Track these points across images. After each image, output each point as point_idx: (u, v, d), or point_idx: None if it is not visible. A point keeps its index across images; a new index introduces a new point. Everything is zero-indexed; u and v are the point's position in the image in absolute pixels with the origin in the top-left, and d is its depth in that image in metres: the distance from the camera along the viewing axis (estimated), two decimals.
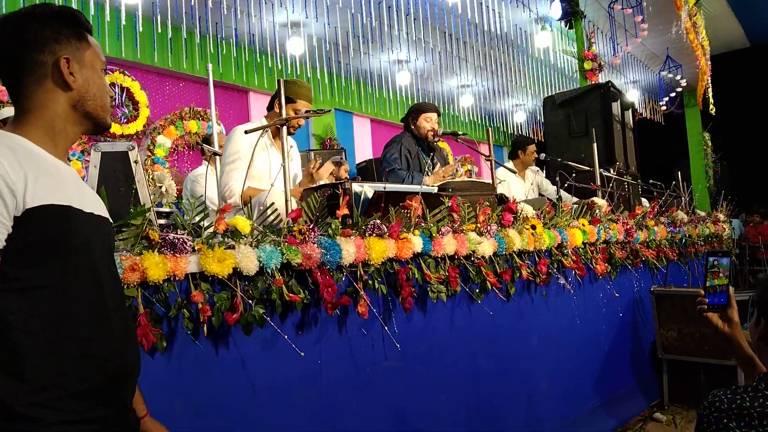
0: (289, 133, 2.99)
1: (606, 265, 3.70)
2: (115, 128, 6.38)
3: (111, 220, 1.31)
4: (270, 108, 3.18)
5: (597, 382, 3.64)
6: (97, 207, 1.24)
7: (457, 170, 3.81)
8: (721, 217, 6.29)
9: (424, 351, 2.51)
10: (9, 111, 3.93)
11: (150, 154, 6.72)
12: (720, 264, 1.73)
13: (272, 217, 2.10)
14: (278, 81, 2.48)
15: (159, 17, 5.65)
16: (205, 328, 1.73)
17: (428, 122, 3.94)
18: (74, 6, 5.56)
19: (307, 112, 2.93)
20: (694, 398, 3.86)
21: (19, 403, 1.03)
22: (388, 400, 2.33)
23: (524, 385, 3.07)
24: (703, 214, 6.05)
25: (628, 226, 4.04)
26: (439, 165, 3.99)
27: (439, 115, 4.02)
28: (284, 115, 2.52)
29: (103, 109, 1.25)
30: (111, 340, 1.16)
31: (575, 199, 4.27)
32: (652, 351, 4.19)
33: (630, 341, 4.10)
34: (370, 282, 2.20)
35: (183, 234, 1.73)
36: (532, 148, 5.13)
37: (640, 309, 4.22)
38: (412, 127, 3.99)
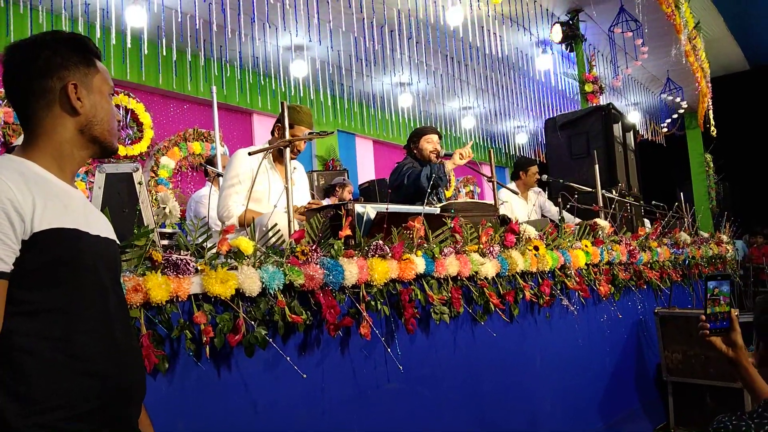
0: (294, 155, 3.01)
1: (609, 286, 3.69)
2: (120, 149, 6.43)
3: (118, 242, 1.33)
4: (272, 134, 3.23)
5: (601, 404, 3.61)
6: (104, 229, 1.25)
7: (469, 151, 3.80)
8: (725, 238, 6.28)
9: (427, 373, 2.49)
10: None
11: (153, 175, 6.75)
12: (720, 291, 1.70)
13: (275, 238, 2.10)
14: (282, 104, 2.50)
15: (164, 40, 5.73)
16: (207, 350, 1.72)
17: (429, 143, 3.97)
18: (81, 29, 5.64)
19: (310, 133, 2.95)
20: (701, 421, 3.81)
21: (26, 425, 1.03)
22: (390, 422, 2.31)
23: (528, 408, 3.04)
24: (706, 235, 6.04)
25: (631, 248, 4.03)
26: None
27: (440, 137, 4.04)
28: (287, 133, 2.54)
29: (110, 133, 1.26)
30: (116, 360, 1.17)
31: (578, 221, 4.27)
32: (656, 373, 4.15)
33: (634, 363, 4.07)
34: (373, 303, 2.19)
35: (186, 255, 1.73)
36: (534, 169, 5.15)
37: (644, 331, 4.19)
38: (415, 152, 4.02)
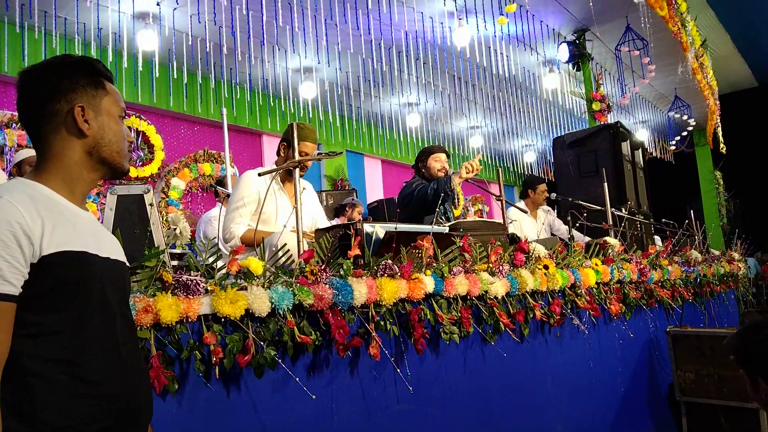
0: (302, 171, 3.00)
1: (620, 305, 3.66)
2: (131, 171, 6.49)
3: (128, 264, 1.34)
4: (278, 153, 3.24)
5: (613, 424, 3.56)
6: (114, 251, 1.26)
7: (479, 164, 3.70)
8: (736, 255, 6.22)
9: (437, 394, 2.48)
10: (25, 153, 3.99)
11: (164, 196, 6.81)
12: None
13: (284, 258, 2.11)
14: (291, 125, 2.52)
15: (175, 63, 5.82)
16: (216, 370, 1.72)
17: (437, 162, 3.98)
18: (93, 53, 5.74)
19: (319, 154, 2.97)
20: None
21: None
22: None
23: (539, 429, 3.01)
24: (717, 253, 5.99)
25: (642, 266, 4.01)
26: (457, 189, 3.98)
27: (448, 156, 4.05)
28: (296, 157, 2.56)
29: (119, 154, 1.27)
30: (124, 382, 1.17)
31: (587, 239, 4.25)
32: (669, 393, 4.10)
33: (646, 383, 4.02)
34: (382, 323, 2.19)
35: (196, 275, 1.74)
36: (543, 187, 5.15)
37: (656, 350, 4.15)
38: (423, 171, 4.02)
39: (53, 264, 1.08)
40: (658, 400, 4.08)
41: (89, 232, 1.20)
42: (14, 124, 5.67)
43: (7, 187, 1.13)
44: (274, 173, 2.69)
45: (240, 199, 3.05)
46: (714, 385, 3.74)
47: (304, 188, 3.23)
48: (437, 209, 3.39)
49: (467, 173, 3.58)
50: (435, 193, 3.67)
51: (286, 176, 3.15)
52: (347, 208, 6.48)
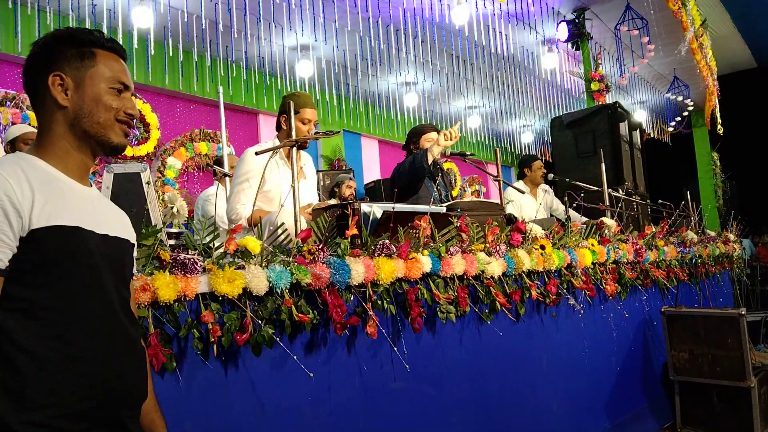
0: (302, 147, 2.96)
1: (616, 285, 3.68)
2: (126, 150, 6.45)
3: (133, 241, 1.33)
4: (278, 128, 3.16)
5: (608, 404, 3.60)
6: (115, 228, 1.25)
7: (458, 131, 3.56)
8: (732, 237, 6.25)
9: (434, 372, 2.50)
10: (17, 130, 3.92)
11: (160, 175, 6.78)
12: None
13: (282, 237, 2.11)
14: (283, 99, 2.50)
15: (170, 41, 5.75)
16: (215, 349, 1.73)
17: (430, 142, 3.90)
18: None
19: (316, 133, 2.94)
20: (707, 420, 3.79)
21: (18, 421, 1.03)
22: (397, 421, 2.32)
23: (534, 408, 3.04)
24: (713, 234, 6.01)
25: (638, 246, 4.02)
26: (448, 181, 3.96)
27: (439, 134, 3.98)
28: (294, 130, 2.54)
29: (103, 125, 1.21)
30: (114, 361, 1.16)
31: (584, 219, 4.26)
32: (663, 372, 4.14)
33: (641, 362, 4.06)
34: (379, 302, 2.20)
35: (194, 254, 1.74)
36: (538, 164, 5.12)
37: (651, 330, 4.18)
38: (415, 152, 3.95)
39: (43, 238, 1.07)
40: (652, 380, 4.13)
41: (87, 207, 1.18)
42: (8, 102, 5.62)
43: (1, 161, 1.12)
44: (273, 151, 2.67)
45: (243, 174, 2.96)
46: (707, 364, 3.78)
47: (305, 163, 3.19)
48: (434, 190, 3.37)
49: (446, 140, 3.48)
50: (411, 167, 3.60)
51: (290, 151, 3.10)
52: (335, 189, 6.50)
